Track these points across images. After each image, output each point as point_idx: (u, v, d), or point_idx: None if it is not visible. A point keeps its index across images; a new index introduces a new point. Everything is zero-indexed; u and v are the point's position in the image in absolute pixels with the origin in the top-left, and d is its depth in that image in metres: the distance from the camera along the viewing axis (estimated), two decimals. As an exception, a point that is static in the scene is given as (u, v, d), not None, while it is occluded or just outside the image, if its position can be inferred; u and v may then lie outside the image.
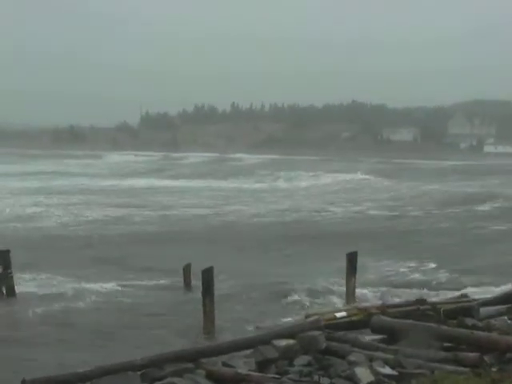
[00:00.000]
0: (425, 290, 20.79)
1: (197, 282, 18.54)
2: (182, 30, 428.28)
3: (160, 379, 11.15)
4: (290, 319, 17.46)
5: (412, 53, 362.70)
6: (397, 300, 18.24)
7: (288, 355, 11.73)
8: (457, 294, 18.72)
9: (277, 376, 11.01)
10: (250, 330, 16.19)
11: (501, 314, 14.64)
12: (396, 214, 44.50)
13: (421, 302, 14.97)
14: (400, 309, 14.54)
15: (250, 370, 11.20)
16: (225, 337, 14.90)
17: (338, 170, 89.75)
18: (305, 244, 30.98)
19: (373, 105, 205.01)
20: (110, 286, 21.89)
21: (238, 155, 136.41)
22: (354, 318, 14.04)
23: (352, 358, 11.47)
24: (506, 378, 10.11)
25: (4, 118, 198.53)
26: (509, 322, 14.05)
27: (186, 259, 22.34)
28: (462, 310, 14.00)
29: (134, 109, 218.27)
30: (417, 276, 23.87)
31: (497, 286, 20.81)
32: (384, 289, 21.39)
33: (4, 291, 20.43)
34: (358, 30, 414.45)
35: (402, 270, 24.86)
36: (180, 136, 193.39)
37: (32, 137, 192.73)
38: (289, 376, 11.03)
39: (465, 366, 11.04)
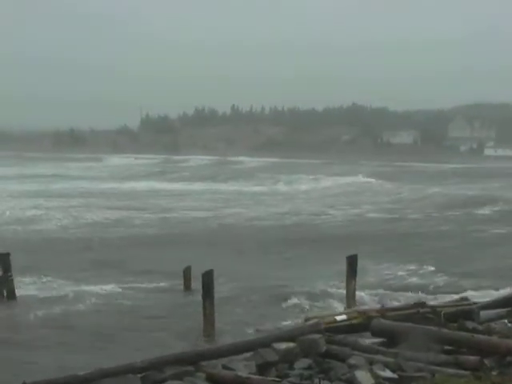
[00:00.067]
0: (422, 294, 20.79)
1: (197, 285, 18.54)
2: (181, 33, 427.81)
3: (160, 382, 11.16)
4: (290, 322, 17.46)
5: (412, 56, 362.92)
6: (395, 303, 18.23)
7: (288, 358, 11.73)
8: (456, 297, 18.75)
9: (277, 379, 11.01)
10: (249, 333, 16.21)
11: (501, 317, 14.66)
12: (396, 216, 44.49)
13: (421, 305, 14.97)
14: (400, 312, 14.53)
15: (250, 373, 11.21)
16: (225, 340, 14.90)
17: (338, 173, 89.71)
18: (305, 247, 30.97)
19: (373, 108, 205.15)
20: (110, 288, 21.89)
21: (239, 158, 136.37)
22: (354, 321, 14.04)
23: (352, 361, 11.47)
24: (506, 381, 10.13)
25: (4, 120, 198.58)
26: (509, 325, 14.06)
27: (186, 262, 22.34)
28: (463, 313, 14.01)
29: (134, 112, 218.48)
30: (415, 279, 23.81)
31: (496, 289, 20.82)
32: (382, 292, 21.41)
33: (4, 294, 20.43)
34: (358, 33, 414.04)
35: (400, 273, 24.82)
36: (180, 139, 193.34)
37: (32, 140, 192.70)
38: (289, 379, 11.02)
39: (465, 369, 11.04)
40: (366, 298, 20.11)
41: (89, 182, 75.64)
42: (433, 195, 58.50)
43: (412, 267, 25.58)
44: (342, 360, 11.63)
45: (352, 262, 19.67)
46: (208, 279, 16.42)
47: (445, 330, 12.48)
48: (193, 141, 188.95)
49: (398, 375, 11.00)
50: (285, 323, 17.38)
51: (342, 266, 20.09)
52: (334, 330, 13.26)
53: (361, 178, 78.82)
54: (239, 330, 16.92)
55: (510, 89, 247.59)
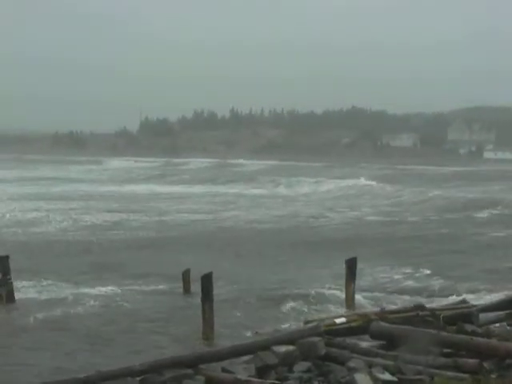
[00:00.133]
0: (417, 297, 20.78)
1: (196, 288, 18.53)
2: (181, 33, 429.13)
3: (159, 385, 11.15)
4: (289, 325, 17.45)
5: (411, 59, 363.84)
6: (393, 306, 18.20)
7: (288, 361, 11.73)
8: (452, 299, 18.77)
9: (276, 382, 11.02)
10: (249, 336, 16.20)
11: (500, 320, 14.65)
12: (395, 219, 44.47)
13: (420, 307, 14.96)
14: (399, 315, 14.52)
15: (249, 376, 11.20)
16: (224, 343, 14.88)
17: (339, 176, 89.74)
18: (304, 250, 30.98)
19: (372, 111, 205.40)
20: (110, 291, 21.87)
21: (238, 161, 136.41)
22: (353, 324, 14.03)
23: (351, 364, 11.46)
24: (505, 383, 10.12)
25: (4, 122, 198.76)
26: (508, 328, 14.05)
27: (185, 265, 22.35)
28: (462, 316, 14.00)
29: (133, 114, 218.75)
30: (410, 283, 23.71)
31: (491, 293, 20.82)
32: (377, 294, 21.42)
33: (3, 297, 20.39)
34: (358, 34, 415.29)
35: (396, 276, 24.70)
36: (179, 142, 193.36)
37: (32, 142, 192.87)
38: (288, 382, 11.03)
39: (464, 372, 11.04)
40: (363, 301, 20.10)
41: (89, 185, 75.65)
42: (433, 198, 58.46)
43: (408, 270, 25.51)
44: (342, 363, 11.62)
45: (351, 265, 19.69)
46: (207, 282, 16.40)
47: (444, 333, 12.47)
48: (192, 144, 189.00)
49: (398, 378, 11.00)
50: (284, 326, 17.37)
51: (341, 269, 20.11)
52: (333, 332, 13.26)
53: (362, 181, 78.76)
54: (238, 333, 16.92)
55: (509, 92, 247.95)
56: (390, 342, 12.70)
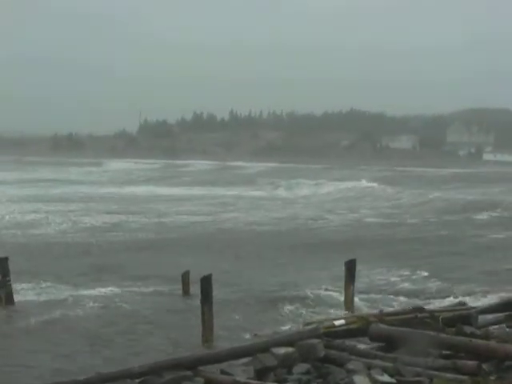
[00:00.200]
0: (415, 299, 20.80)
1: (195, 290, 18.54)
2: (181, 33, 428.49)
3: (158, 387, 11.14)
4: (288, 327, 17.46)
5: (411, 60, 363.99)
6: (390, 309, 18.21)
7: (287, 363, 11.73)
8: (449, 301, 18.78)
9: (275, 384, 11.02)
10: (248, 338, 16.20)
11: (499, 321, 14.65)
12: (395, 221, 44.51)
13: (419, 309, 14.97)
14: (398, 317, 14.53)
15: (248, 378, 11.20)
16: (223, 345, 14.88)
17: (338, 178, 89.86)
18: (303, 252, 30.98)
19: (371, 113, 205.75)
20: (109, 293, 21.87)
21: (238, 163, 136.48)
22: (352, 326, 14.03)
23: (350, 366, 11.47)
24: (504, 386, 10.12)
25: (2, 124, 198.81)
26: (507, 329, 14.04)
27: (184, 266, 22.35)
28: (461, 318, 14.00)
29: (132, 116, 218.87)
30: (407, 285, 23.64)
31: (489, 295, 20.83)
32: (374, 296, 21.44)
33: (2, 299, 20.38)
34: (358, 35, 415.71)
35: (393, 278, 24.63)
36: (179, 144, 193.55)
37: (31, 144, 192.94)
38: (287, 384, 11.03)
39: (463, 374, 11.04)
40: (359, 304, 20.10)
41: (88, 187, 75.69)
42: (432, 200, 58.51)
43: (406, 272, 25.46)
44: (341, 365, 11.62)
45: (350, 266, 19.70)
46: (207, 284, 16.41)
47: (443, 335, 12.47)
48: (191, 146, 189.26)
49: (397, 380, 11.00)
50: (283, 328, 17.38)
51: (340, 271, 20.12)
52: (332, 334, 13.26)
53: (361, 183, 78.82)
54: (237, 335, 16.93)
55: (508, 94, 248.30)
56: (389, 343, 12.70)
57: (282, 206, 56.93)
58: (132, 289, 22.67)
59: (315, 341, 12.23)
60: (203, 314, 16.40)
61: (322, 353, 11.99)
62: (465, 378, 10.83)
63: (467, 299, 19.38)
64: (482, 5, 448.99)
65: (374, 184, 76.04)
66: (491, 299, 19.30)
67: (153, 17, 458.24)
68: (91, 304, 20.30)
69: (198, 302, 16.88)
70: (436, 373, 11.05)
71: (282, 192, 74.38)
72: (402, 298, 21.29)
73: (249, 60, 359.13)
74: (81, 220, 42.79)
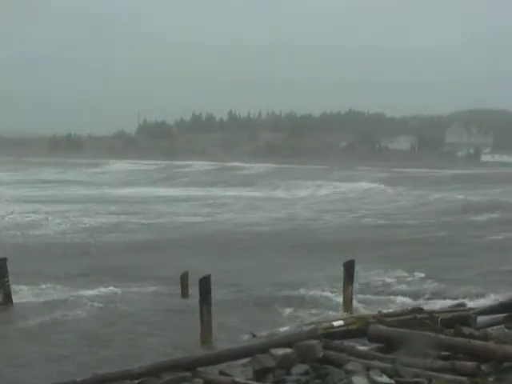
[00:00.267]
0: (412, 301, 20.80)
1: (194, 290, 18.53)
2: (181, 33, 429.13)
3: (157, 388, 11.14)
4: (287, 328, 17.45)
5: (410, 60, 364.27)
6: (386, 310, 18.19)
7: (285, 364, 11.73)
8: (447, 302, 18.77)
9: (274, 385, 11.01)
10: (246, 339, 16.19)
11: (498, 322, 14.66)
12: (394, 223, 44.52)
13: (418, 310, 14.98)
14: (397, 318, 14.53)
15: (247, 379, 11.20)
16: (222, 345, 14.89)
17: (337, 179, 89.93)
18: (302, 253, 30.99)
19: (370, 113, 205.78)
20: (108, 293, 21.88)
21: (237, 164, 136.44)
22: (351, 327, 14.04)
23: (349, 366, 11.47)
24: (503, 387, 10.13)
25: (2, 124, 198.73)
26: (506, 330, 14.05)
27: (183, 267, 22.36)
28: (459, 319, 14.00)
29: (131, 116, 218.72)
30: (403, 286, 23.56)
31: (488, 296, 20.83)
32: (371, 297, 21.44)
33: (1, 299, 20.38)
34: (357, 36, 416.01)
35: (390, 279, 24.54)
36: (178, 144, 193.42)
37: (30, 145, 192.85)
38: (286, 385, 11.03)
39: (462, 375, 11.04)
40: (355, 304, 20.09)
41: (87, 188, 75.70)
42: (432, 201, 58.59)
43: (402, 274, 25.41)
44: (339, 366, 11.63)
45: (349, 267, 19.69)
46: (205, 285, 16.41)
47: (442, 336, 12.47)
48: (190, 146, 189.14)
49: (395, 381, 11.00)
50: (282, 329, 17.37)
51: (339, 272, 20.12)
52: (331, 335, 13.27)
53: (360, 184, 78.85)
54: (236, 335, 16.93)
55: (507, 94, 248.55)
56: (388, 344, 12.71)
57: (281, 206, 56.94)
58: (131, 289, 22.67)
59: (314, 342, 12.23)
60: (202, 314, 16.40)
61: (320, 354, 11.99)
62: (463, 379, 10.83)
63: (464, 301, 19.35)
64: (482, 5, 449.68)
65: (373, 185, 76.09)
66: (489, 300, 19.31)
67: (153, 17, 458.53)
68: (90, 305, 20.31)
69: (196, 302, 16.88)
70: (435, 374, 11.06)
71: (280, 193, 74.42)
72: (399, 299, 21.27)
73: (248, 60, 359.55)
74: (80, 221, 42.78)
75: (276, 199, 65.43)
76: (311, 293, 21.77)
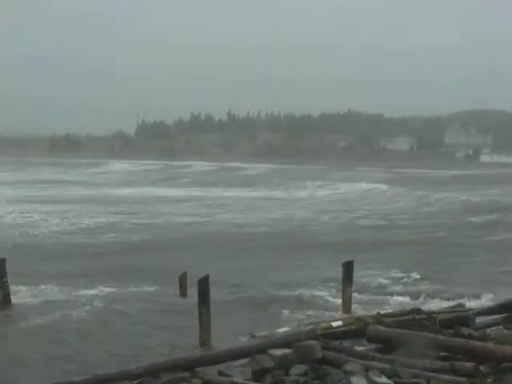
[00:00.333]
0: (410, 301, 20.80)
1: (193, 291, 18.52)
2: (181, 33, 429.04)
3: (156, 388, 11.13)
4: (285, 328, 17.44)
5: (409, 60, 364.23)
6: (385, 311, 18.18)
7: (284, 364, 11.72)
8: (445, 303, 18.76)
9: (273, 385, 11.00)
10: (245, 340, 16.18)
11: (496, 323, 14.66)
12: (393, 223, 44.52)
13: (417, 311, 14.98)
14: (396, 318, 14.53)
15: (246, 379, 11.19)
16: (221, 346, 14.88)
17: (337, 179, 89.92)
18: (300, 253, 31.01)
19: (369, 114, 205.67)
20: (106, 294, 21.87)
21: (236, 164, 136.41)
22: (350, 328, 14.04)
23: (348, 367, 11.46)
24: (501, 387, 10.12)
25: (2, 124, 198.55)
26: (505, 331, 14.05)
27: (182, 267, 22.38)
28: (458, 320, 13.99)
29: (130, 117, 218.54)
30: (399, 287, 23.56)
31: (486, 296, 20.82)
32: (368, 298, 21.44)
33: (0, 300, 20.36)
34: (357, 36, 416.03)
35: (387, 281, 24.55)
36: (176, 145, 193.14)
37: (29, 145, 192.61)
38: (285, 385, 11.02)
39: (461, 375, 11.04)
40: (353, 304, 20.05)
41: (86, 188, 75.66)
42: (431, 202, 58.62)
43: (398, 275, 25.41)
44: (338, 366, 11.62)
45: (348, 268, 19.70)
46: (204, 285, 16.41)
47: (440, 337, 12.47)
48: (189, 146, 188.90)
49: (394, 381, 10.99)
50: (281, 329, 17.36)
51: (338, 272, 20.12)
52: (330, 336, 13.26)
53: (359, 185, 78.84)
54: (235, 336, 16.92)
55: (506, 95, 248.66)
56: (387, 345, 12.70)
57: (280, 207, 56.94)
58: (130, 290, 22.67)
59: (313, 342, 12.22)
60: (200, 315, 16.39)
61: (319, 354, 11.98)
62: (462, 379, 10.83)
63: (463, 301, 19.35)
64: (482, 5, 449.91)
65: (372, 185, 76.09)
66: (488, 301, 19.31)
67: (153, 17, 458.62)
68: (89, 305, 20.30)
69: (195, 303, 16.87)
70: (433, 374, 11.05)
71: (279, 193, 74.40)
72: (397, 300, 21.29)
73: (248, 60, 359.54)
74: (79, 221, 42.79)
75: (275, 200, 65.42)
76: (310, 293, 21.78)
